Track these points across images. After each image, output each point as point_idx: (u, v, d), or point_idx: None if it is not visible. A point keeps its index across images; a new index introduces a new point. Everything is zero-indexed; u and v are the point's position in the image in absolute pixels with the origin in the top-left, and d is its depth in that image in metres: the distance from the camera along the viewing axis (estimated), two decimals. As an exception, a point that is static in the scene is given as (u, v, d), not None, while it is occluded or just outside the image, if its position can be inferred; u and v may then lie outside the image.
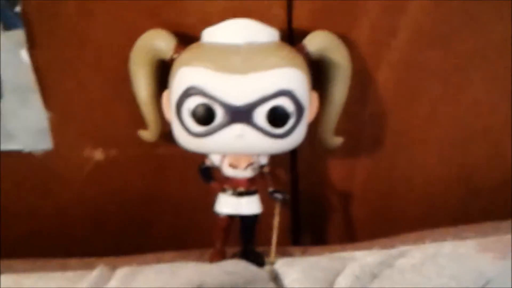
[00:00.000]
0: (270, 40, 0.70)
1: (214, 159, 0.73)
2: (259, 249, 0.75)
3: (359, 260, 0.72)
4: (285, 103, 0.67)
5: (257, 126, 0.67)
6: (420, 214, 0.84)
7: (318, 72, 0.72)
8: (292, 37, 0.74)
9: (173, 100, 0.68)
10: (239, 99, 0.66)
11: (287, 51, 0.69)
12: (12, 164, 0.78)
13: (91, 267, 0.72)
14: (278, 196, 0.73)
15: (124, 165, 0.80)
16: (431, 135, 0.81)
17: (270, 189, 0.73)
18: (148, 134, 0.75)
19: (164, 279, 0.70)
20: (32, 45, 0.73)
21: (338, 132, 0.75)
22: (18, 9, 0.71)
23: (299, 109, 0.68)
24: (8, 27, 0.71)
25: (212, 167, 0.73)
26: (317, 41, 0.71)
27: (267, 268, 0.73)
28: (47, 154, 0.78)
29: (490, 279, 0.68)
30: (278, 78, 0.67)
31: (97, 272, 0.71)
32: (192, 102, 0.67)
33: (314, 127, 0.73)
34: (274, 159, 0.74)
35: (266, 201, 0.73)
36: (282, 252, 0.75)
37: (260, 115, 0.67)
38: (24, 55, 0.73)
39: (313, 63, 0.71)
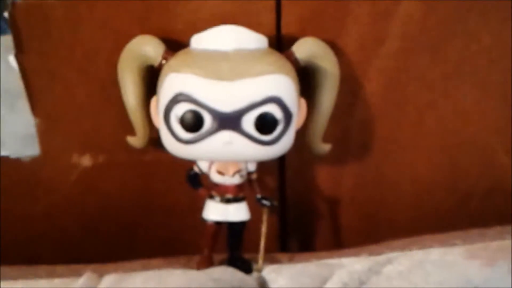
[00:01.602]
0: (259, 46, 0.70)
1: (202, 166, 0.73)
2: (247, 256, 0.75)
3: (347, 266, 0.72)
4: (273, 110, 0.67)
5: (245, 133, 0.67)
6: (408, 221, 0.84)
7: (307, 78, 0.72)
8: (280, 43, 0.74)
9: (161, 107, 0.68)
10: (227, 106, 0.66)
11: (275, 58, 0.69)
12: (-1, 170, 0.78)
13: (78, 273, 0.72)
14: (266, 202, 0.73)
15: (112, 171, 0.79)
16: (419, 142, 0.81)
17: (258, 195, 0.73)
18: (136, 141, 0.74)
19: (152, 285, 0.69)
20: (20, 51, 0.73)
21: (326, 138, 0.75)
22: (6, 14, 0.71)
23: (287, 115, 0.68)
24: (-4, 32, 0.71)
25: (200, 174, 0.73)
26: (306, 48, 0.72)
27: (254, 275, 0.73)
28: (34, 160, 0.78)
29: (477, 286, 0.68)
30: (266, 84, 0.67)
31: (84, 279, 0.71)
32: (180, 109, 0.67)
33: (302, 134, 0.73)
34: (262, 165, 0.74)
35: (254, 208, 0.73)
36: (270, 259, 0.75)
37: (248, 122, 0.67)
38: (12, 60, 0.73)
39: (301, 70, 0.71)
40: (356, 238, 0.83)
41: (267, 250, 0.74)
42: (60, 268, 0.74)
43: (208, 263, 0.74)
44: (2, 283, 0.71)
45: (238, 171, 0.72)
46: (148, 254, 0.77)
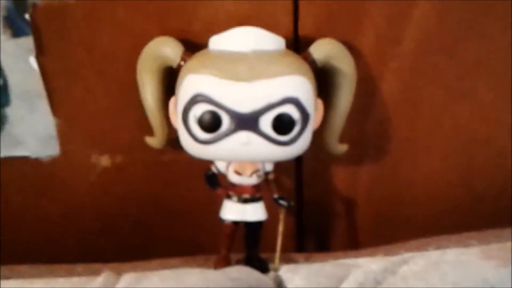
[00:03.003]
0: (276, 48, 0.70)
1: (220, 166, 0.73)
2: (264, 255, 0.75)
3: (363, 267, 0.72)
4: (290, 110, 0.68)
5: (262, 133, 0.68)
6: (424, 221, 0.84)
7: (323, 79, 0.72)
8: (298, 44, 0.74)
9: (180, 107, 0.69)
10: (245, 107, 0.67)
11: (293, 59, 0.70)
12: (19, 170, 0.79)
13: (96, 273, 0.72)
14: (283, 203, 0.73)
15: (130, 171, 0.80)
16: (435, 143, 0.81)
17: (275, 196, 0.73)
18: (154, 141, 0.75)
19: (169, 285, 0.70)
20: (40, 52, 0.73)
21: (342, 139, 0.76)
22: (27, 16, 0.71)
23: (305, 116, 0.68)
24: (17, 34, 0.72)
25: (217, 174, 0.74)
26: (323, 49, 0.72)
27: (271, 274, 0.74)
28: (54, 160, 0.79)
29: (493, 286, 0.68)
30: (284, 85, 0.67)
31: (102, 278, 0.71)
32: (199, 109, 0.67)
33: (319, 135, 0.74)
34: (279, 166, 0.74)
35: (271, 208, 0.74)
36: (286, 259, 0.76)
37: (266, 123, 0.67)
38: (33, 61, 0.73)
39: (318, 71, 0.72)
40: (372, 238, 0.83)
41: (284, 250, 0.74)
42: (79, 267, 0.75)
43: (225, 262, 0.74)
44: (22, 282, 0.71)
45: (256, 171, 0.72)
46: (166, 253, 0.77)
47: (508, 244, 0.73)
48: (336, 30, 0.74)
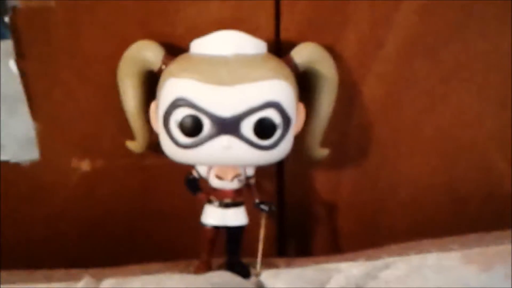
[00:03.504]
0: (258, 52, 0.70)
1: (201, 170, 0.73)
2: (245, 260, 0.75)
3: (344, 271, 0.72)
4: (272, 114, 0.67)
5: (244, 137, 0.67)
6: (406, 226, 0.84)
7: (305, 83, 0.72)
8: (279, 48, 0.74)
9: (161, 111, 0.68)
10: (226, 111, 0.67)
11: (274, 63, 0.69)
12: (-2, 174, 0.78)
13: (77, 278, 0.72)
14: (264, 207, 0.73)
15: (111, 176, 0.80)
16: (417, 147, 0.81)
17: (256, 200, 0.73)
18: (135, 145, 0.75)
19: (150, 290, 0.70)
20: (20, 55, 0.73)
21: (324, 143, 0.76)
22: (6, 19, 0.71)
23: (286, 120, 0.68)
24: (-4, 37, 0.72)
25: (198, 178, 0.73)
26: (305, 53, 0.72)
27: (252, 279, 0.73)
28: (34, 165, 0.78)
29: (475, 290, 0.68)
30: (265, 89, 0.67)
31: (82, 283, 0.71)
32: (180, 114, 0.67)
33: (300, 139, 0.74)
34: (261, 170, 0.74)
35: (252, 213, 0.74)
36: (268, 264, 0.75)
37: (247, 127, 0.67)
38: (12, 65, 0.73)
39: (300, 75, 0.71)
40: (354, 242, 0.83)
41: (265, 255, 0.74)
42: (59, 273, 0.74)
43: (206, 267, 0.74)
44: (1, 287, 0.71)
45: (237, 176, 0.72)
46: (147, 258, 0.77)
47: (490, 248, 0.73)
48: (318, 34, 0.74)
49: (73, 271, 0.74)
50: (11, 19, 0.71)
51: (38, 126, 0.76)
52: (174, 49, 0.72)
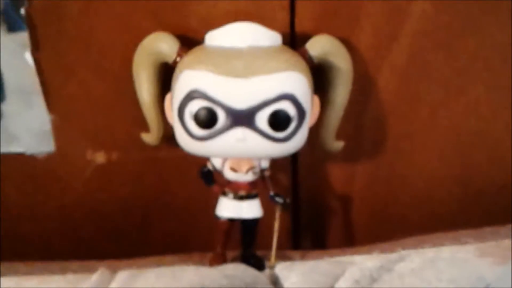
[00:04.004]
0: (273, 44, 0.70)
1: (215, 163, 0.73)
2: (259, 253, 0.75)
3: (359, 264, 0.72)
4: (287, 107, 0.67)
5: (258, 129, 0.67)
6: (420, 218, 0.84)
7: (320, 76, 0.72)
8: (294, 41, 0.74)
9: (176, 103, 0.69)
10: (241, 103, 0.67)
11: (289, 55, 0.69)
12: (14, 166, 0.78)
13: (91, 270, 0.72)
14: (279, 200, 0.73)
15: (126, 168, 0.80)
16: (432, 139, 0.81)
17: (271, 193, 0.73)
18: (150, 137, 0.75)
19: (165, 282, 0.70)
20: (36, 47, 0.73)
21: (339, 136, 0.76)
22: (22, 11, 0.71)
23: (301, 113, 0.68)
24: (13, 29, 0.72)
25: (213, 171, 0.73)
26: (319, 45, 0.72)
27: (267, 272, 0.73)
28: (49, 157, 0.78)
29: (489, 284, 0.68)
30: (280, 82, 0.67)
31: (97, 275, 0.71)
32: (195, 106, 0.67)
33: (315, 131, 0.73)
34: (275, 163, 0.74)
35: (267, 205, 0.74)
36: (282, 256, 0.75)
37: (262, 119, 0.67)
38: (28, 57, 0.73)
39: (315, 67, 0.71)
40: (368, 235, 0.83)
41: (280, 247, 0.74)
42: (73, 264, 0.74)
43: (221, 260, 0.74)
44: (16, 278, 0.71)
45: (251, 168, 0.72)
46: (162, 250, 0.77)
47: (505, 241, 0.73)
48: (333, 26, 0.74)
49: (88, 263, 0.74)
50: (26, 11, 0.71)
51: (54, 118, 0.77)
52: (189, 41, 0.72)
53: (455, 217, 0.83)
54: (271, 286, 0.71)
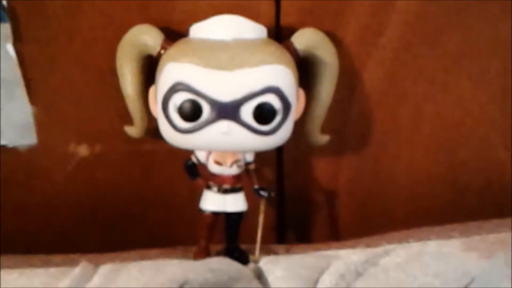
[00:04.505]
0: (258, 36, 0.70)
1: (200, 156, 0.73)
2: (244, 246, 0.75)
3: (344, 258, 0.72)
4: (272, 100, 0.67)
5: (243, 122, 0.67)
6: (406, 213, 0.84)
7: (306, 69, 0.72)
8: (280, 34, 0.74)
9: (160, 96, 0.68)
10: (225, 96, 0.66)
11: (274, 48, 0.69)
12: (-4, 159, 0.78)
13: (74, 263, 0.72)
14: (263, 193, 0.73)
15: (109, 161, 0.79)
16: (418, 134, 0.81)
17: (256, 186, 0.73)
18: (134, 130, 0.74)
19: (148, 276, 0.69)
20: (18, 39, 0.72)
21: (324, 130, 0.75)
22: (4, 2, 0.70)
23: (286, 106, 0.68)
24: (-6, 20, 0.71)
25: (197, 164, 0.73)
26: (305, 38, 0.71)
27: (251, 265, 0.73)
28: (31, 150, 0.78)
29: (474, 278, 0.68)
30: (265, 74, 0.67)
31: (80, 269, 0.70)
32: (179, 98, 0.67)
33: (300, 125, 0.73)
34: (260, 156, 0.74)
35: (251, 199, 0.73)
36: (267, 250, 0.75)
37: (247, 112, 0.67)
38: (10, 49, 0.72)
39: (300, 60, 0.71)
40: (353, 230, 0.83)
41: (264, 241, 0.74)
42: (56, 258, 0.74)
43: (205, 253, 0.74)
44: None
45: (236, 162, 0.72)
46: (145, 244, 0.77)
47: (490, 236, 0.73)
48: (319, 19, 0.74)
49: (71, 256, 0.74)
50: (9, 2, 0.71)
51: (36, 111, 0.76)
52: (173, 34, 0.71)
53: (440, 212, 0.83)
54: (255, 280, 0.71)
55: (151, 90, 0.71)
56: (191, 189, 0.74)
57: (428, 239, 0.73)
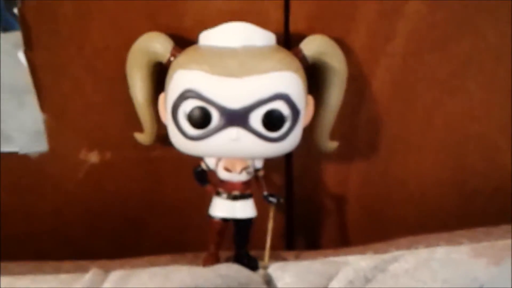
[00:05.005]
0: (267, 43, 0.70)
1: (209, 163, 0.73)
2: (253, 253, 0.75)
3: (353, 264, 0.72)
4: (281, 106, 0.67)
5: (252, 129, 0.67)
6: (414, 219, 0.84)
7: (314, 76, 0.72)
8: (288, 41, 0.74)
9: (169, 103, 0.68)
10: (235, 103, 0.66)
11: (283, 55, 0.69)
12: (7, 166, 0.78)
13: (84, 270, 0.72)
14: (273, 200, 0.73)
15: (119, 167, 0.80)
16: (426, 140, 0.81)
17: (265, 193, 0.73)
18: (144, 137, 0.75)
19: (158, 282, 0.69)
20: (29, 47, 0.73)
21: (333, 136, 0.75)
22: (16, 10, 0.71)
23: (295, 113, 0.68)
24: (6, 28, 0.72)
25: (207, 170, 0.73)
26: (314, 45, 0.72)
27: (260, 272, 0.73)
28: (42, 156, 0.78)
29: (483, 284, 0.68)
30: (274, 81, 0.67)
31: (90, 275, 0.71)
32: (188, 105, 0.67)
33: (309, 131, 0.73)
34: (269, 162, 0.74)
35: (261, 205, 0.73)
36: (276, 256, 0.75)
37: (256, 119, 0.67)
38: (21, 56, 0.73)
39: (309, 67, 0.71)
40: (362, 236, 0.83)
41: (274, 248, 0.74)
42: (66, 264, 0.74)
43: (214, 260, 0.74)
44: (9, 278, 0.71)
45: (245, 168, 0.72)
46: (155, 250, 0.77)
47: (499, 242, 0.73)
48: (328, 26, 0.74)
49: (81, 263, 0.74)
50: (20, 10, 0.71)
51: (47, 118, 0.76)
52: (183, 41, 0.72)
53: (449, 218, 0.83)
54: (264, 286, 0.71)
55: (161, 97, 0.71)
56: (200, 196, 0.74)
57: (437, 245, 0.73)
